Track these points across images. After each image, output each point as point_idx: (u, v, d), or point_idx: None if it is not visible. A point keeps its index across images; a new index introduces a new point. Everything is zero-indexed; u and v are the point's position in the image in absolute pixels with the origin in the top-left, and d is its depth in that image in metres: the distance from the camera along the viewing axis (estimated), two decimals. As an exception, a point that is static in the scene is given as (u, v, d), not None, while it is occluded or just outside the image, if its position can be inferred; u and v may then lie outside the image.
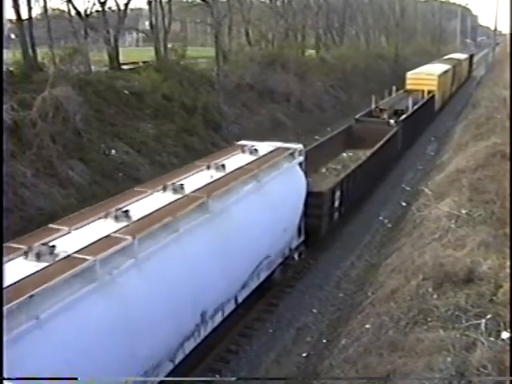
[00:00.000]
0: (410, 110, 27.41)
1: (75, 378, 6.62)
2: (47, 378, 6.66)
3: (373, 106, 27.57)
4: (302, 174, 13.46)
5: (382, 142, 20.69)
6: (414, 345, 8.12)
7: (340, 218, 16.59)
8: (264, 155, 12.54)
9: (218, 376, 10.05)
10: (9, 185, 14.25)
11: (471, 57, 65.08)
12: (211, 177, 10.70)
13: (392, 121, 24.36)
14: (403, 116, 25.95)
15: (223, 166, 11.38)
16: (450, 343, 7.77)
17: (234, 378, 10.17)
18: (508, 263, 9.55)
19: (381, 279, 12.29)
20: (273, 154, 12.67)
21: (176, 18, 35.55)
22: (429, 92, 34.24)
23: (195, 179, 10.57)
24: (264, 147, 13.09)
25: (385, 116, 26.24)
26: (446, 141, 28.55)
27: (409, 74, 36.97)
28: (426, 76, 35.81)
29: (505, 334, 7.77)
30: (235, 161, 11.95)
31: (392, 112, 27.26)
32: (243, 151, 12.74)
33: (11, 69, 19.77)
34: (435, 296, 9.30)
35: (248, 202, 10.77)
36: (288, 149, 13.24)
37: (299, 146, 13.60)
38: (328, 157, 20.73)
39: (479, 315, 8.34)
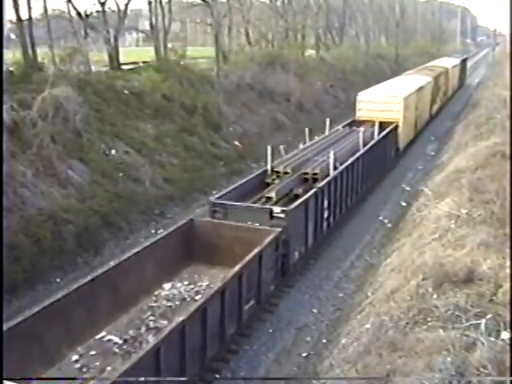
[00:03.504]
0: (332, 174, 15.87)
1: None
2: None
3: (268, 165, 16.18)
4: None
5: (238, 267, 10.16)
6: (413, 345, 8.12)
7: None
8: None
9: (218, 376, 10.05)
10: (9, 185, 14.25)
11: (464, 61, 55.30)
12: None
13: (278, 209, 12.89)
14: (309, 193, 14.17)
15: None
16: (450, 343, 7.77)
17: (234, 378, 10.17)
18: (508, 263, 9.56)
19: (380, 279, 12.30)
20: None
21: (176, 18, 35.52)
22: (382, 124, 22.52)
23: None
24: None
25: (272, 194, 14.37)
26: (446, 141, 28.57)
27: (360, 96, 24.74)
28: (386, 99, 23.90)
29: (505, 334, 7.77)
30: None
31: (298, 179, 15.83)
32: None
33: (11, 69, 19.74)
34: (435, 296, 9.29)
35: None
36: None
37: None
38: (145, 286, 10.87)
39: (479, 315, 8.34)
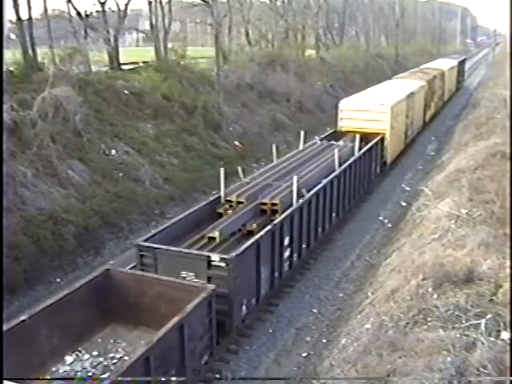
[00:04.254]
0: (295, 204, 12.99)
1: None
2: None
3: (221, 191, 13.36)
4: None
5: (141, 351, 7.69)
6: (413, 345, 8.11)
7: None
8: None
9: (218, 376, 10.06)
10: (9, 185, 14.26)
11: (462, 63, 52.77)
12: None
13: (217, 257, 10.24)
14: (261, 232, 11.37)
15: None
16: (450, 343, 7.77)
17: (234, 378, 10.18)
18: (508, 263, 9.56)
19: (381, 279, 12.30)
20: None
21: (176, 18, 35.54)
22: (367, 136, 20.19)
23: None
24: None
25: (216, 233, 11.50)
26: (446, 140, 28.58)
27: (342, 104, 22.26)
28: (371, 108, 21.61)
29: (505, 334, 7.77)
30: None
31: (254, 210, 12.91)
32: None
33: (11, 69, 19.76)
34: (435, 296, 9.29)
35: None
36: None
37: None
38: (39, 361, 8.51)
39: (479, 315, 8.34)
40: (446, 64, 43.50)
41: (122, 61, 27.06)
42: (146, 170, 19.33)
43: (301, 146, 19.03)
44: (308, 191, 13.97)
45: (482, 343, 7.59)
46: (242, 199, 12.99)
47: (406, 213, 17.71)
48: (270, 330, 11.72)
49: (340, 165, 16.57)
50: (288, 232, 12.59)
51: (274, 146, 17.30)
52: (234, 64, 31.94)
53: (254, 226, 12.19)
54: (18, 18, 21.53)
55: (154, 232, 11.36)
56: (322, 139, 20.48)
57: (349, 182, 17.09)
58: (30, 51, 21.79)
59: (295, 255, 13.26)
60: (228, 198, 13.09)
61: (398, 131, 23.33)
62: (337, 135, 21.24)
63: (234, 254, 10.27)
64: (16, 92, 17.44)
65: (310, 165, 16.36)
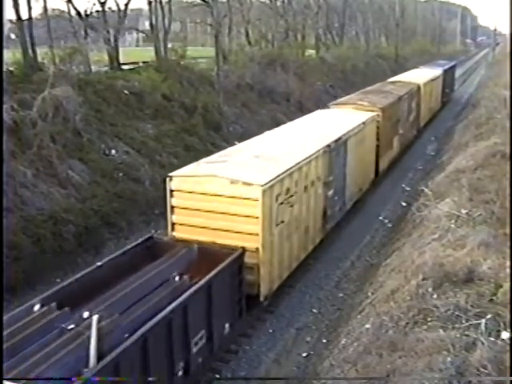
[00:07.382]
0: None
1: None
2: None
3: None
4: None
5: None
6: (413, 345, 8.11)
7: None
8: None
9: (218, 376, 10.06)
10: (9, 185, 14.26)
11: (450, 70, 42.54)
12: None
13: None
14: None
15: None
16: (450, 343, 7.77)
17: (234, 378, 10.17)
18: (508, 263, 9.55)
19: (381, 279, 12.29)
20: None
21: (176, 18, 35.55)
22: (216, 249, 10.19)
23: None
24: None
25: None
26: (445, 141, 28.56)
27: (174, 181, 11.52)
28: (226, 191, 10.86)
29: (505, 334, 7.76)
30: None
31: None
32: None
33: (11, 69, 19.77)
34: (435, 296, 9.29)
35: None
36: None
37: None
38: None
39: (479, 315, 8.34)
40: (423, 76, 32.75)
41: (122, 61, 27.06)
42: (145, 170, 19.33)
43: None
44: None
45: (482, 343, 7.59)
46: None
47: (406, 213, 17.70)
48: (270, 330, 11.72)
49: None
50: None
51: None
52: (234, 64, 31.94)
53: None
54: (18, 18, 21.53)
55: None
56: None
57: None
58: (30, 51, 21.78)
59: None
60: None
61: (295, 223, 12.64)
62: (156, 250, 10.55)
63: None
64: (16, 92, 17.44)
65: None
